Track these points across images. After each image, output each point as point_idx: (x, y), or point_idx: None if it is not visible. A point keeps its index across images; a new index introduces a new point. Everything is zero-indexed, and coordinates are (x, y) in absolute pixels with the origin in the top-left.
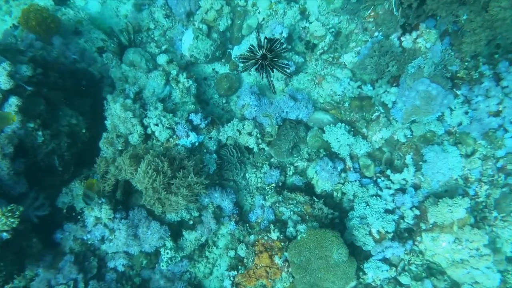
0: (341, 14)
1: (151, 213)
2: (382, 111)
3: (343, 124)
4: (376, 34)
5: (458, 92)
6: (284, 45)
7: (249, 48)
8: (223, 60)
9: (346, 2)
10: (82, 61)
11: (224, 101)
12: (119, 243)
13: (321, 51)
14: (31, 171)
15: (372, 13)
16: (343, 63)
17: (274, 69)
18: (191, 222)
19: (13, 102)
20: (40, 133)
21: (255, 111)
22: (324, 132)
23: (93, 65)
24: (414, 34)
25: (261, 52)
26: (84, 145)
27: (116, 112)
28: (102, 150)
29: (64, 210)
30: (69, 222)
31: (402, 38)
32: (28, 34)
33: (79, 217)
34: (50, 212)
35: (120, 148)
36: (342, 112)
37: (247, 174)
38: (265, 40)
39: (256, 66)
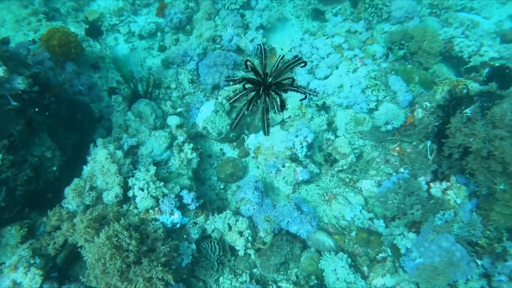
0: (367, 138)
1: None
2: (390, 254)
3: (346, 255)
4: (402, 170)
5: (479, 262)
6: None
7: (248, 66)
8: (234, 144)
9: (374, 128)
10: (87, 94)
11: (221, 187)
12: None
13: (340, 168)
14: None
15: (398, 148)
16: (359, 188)
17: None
18: None
19: None
20: (0, 155)
21: (253, 209)
22: (321, 257)
23: (97, 103)
24: (445, 184)
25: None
26: (48, 185)
27: (101, 160)
28: (66, 198)
29: None
30: None
31: (431, 184)
32: (44, 51)
33: None
34: None
35: (88, 203)
36: (347, 241)
37: (221, 278)
38: (280, 60)
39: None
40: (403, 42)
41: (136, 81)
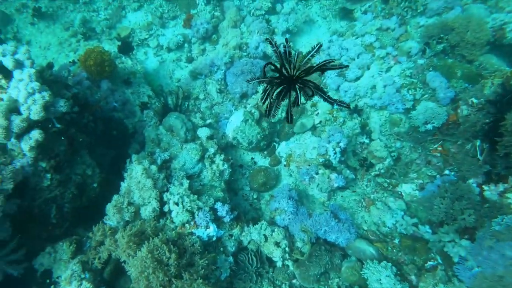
0: (404, 139)
1: None
2: (441, 262)
3: (390, 264)
4: (447, 172)
5: None
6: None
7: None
8: (265, 152)
9: (412, 129)
10: (121, 110)
11: (254, 196)
12: None
13: (377, 172)
14: (21, 216)
15: (440, 148)
16: (399, 192)
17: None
18: None
19: (34, 135)
20: (49, 175)
21: (289, 219)
22: (363, 266)
23: (130, 118)
24: (502, 186)
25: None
26: (90, 202)
27: (137, 176)
28: (107, 215)
29: (38, 274)
30: None
31: (484, 187)
32: (82, 71)
33: (52, 286)
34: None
35: (127, 219)
36: (390, 248)
37: None
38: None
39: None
40: (441, 35)
41: (166, 94)
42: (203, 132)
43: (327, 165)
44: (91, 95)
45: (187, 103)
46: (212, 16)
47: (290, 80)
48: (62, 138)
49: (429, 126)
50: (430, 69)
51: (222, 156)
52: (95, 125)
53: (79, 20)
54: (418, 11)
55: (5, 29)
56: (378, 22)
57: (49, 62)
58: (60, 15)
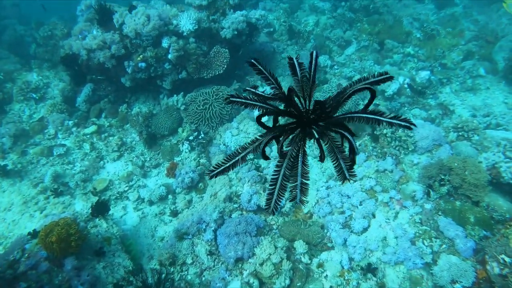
0: None
1: None
2: None
3: None
4: None
5: None
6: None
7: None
8: None
9: None
10: None
11: None
12: None
13: None
14: None
15: None
16: None
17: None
18: None
19: None
20: None
21: None
22: None
23: None
24: None
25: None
26: None
27: None
28: None
29: None
30: None
31: None
32: (40, 250)
33: None
34: None
35: None
36: None
37: None
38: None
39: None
40: (442, 176)
41: (146, 273)
42: None
43: None
44: (50, 280)
45: (171, 276)
46: (197, 164)
47: (305, 120)
48: None
49: (458, 287)
50: (440, 213)
51: None
52: None
53: (51, 174)
54: (410, 149)
55: None
56: (374, 163)
57: None
58: (29, 171)
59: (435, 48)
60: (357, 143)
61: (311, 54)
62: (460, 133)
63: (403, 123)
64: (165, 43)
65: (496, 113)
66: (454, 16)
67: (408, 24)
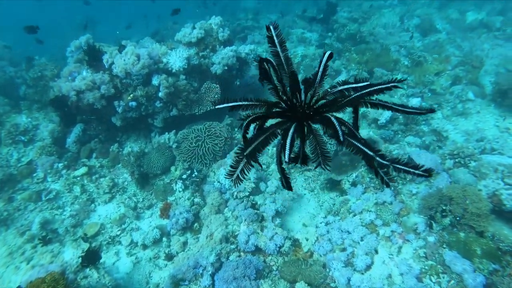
0: None
1: None
2: None
3: None
4: None
5: None
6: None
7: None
8: None
9: None
10: None
11: None
12: None
13: None
14: None
15: None
16: None
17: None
18: None
19: None
20: None
21: None
22: None
23: None
24: None
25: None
26: None
27: None
28: None
29: None
30: None
31: None
32: None
33: None
34: None
35: None
36: None
37: None
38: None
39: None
40: (443, 207)
41: None
42: None
43: None
44: None
45: None
46: (191, 203)
47: (299, 114)
48: None
49: None
50: (444, 246)
51: None
52: None
53: (39, 222)
54: (407, 179)
55: None
56: (373, 196)
57: None
58: (16, 218)
59: (423, 74)
60: (354, 175)
61: (324, 53)
62: (456, 160)
63: (421, 173)
64: (155, 81)
65: (490, 137)
66: (438, 43)
67: (395, 52)
